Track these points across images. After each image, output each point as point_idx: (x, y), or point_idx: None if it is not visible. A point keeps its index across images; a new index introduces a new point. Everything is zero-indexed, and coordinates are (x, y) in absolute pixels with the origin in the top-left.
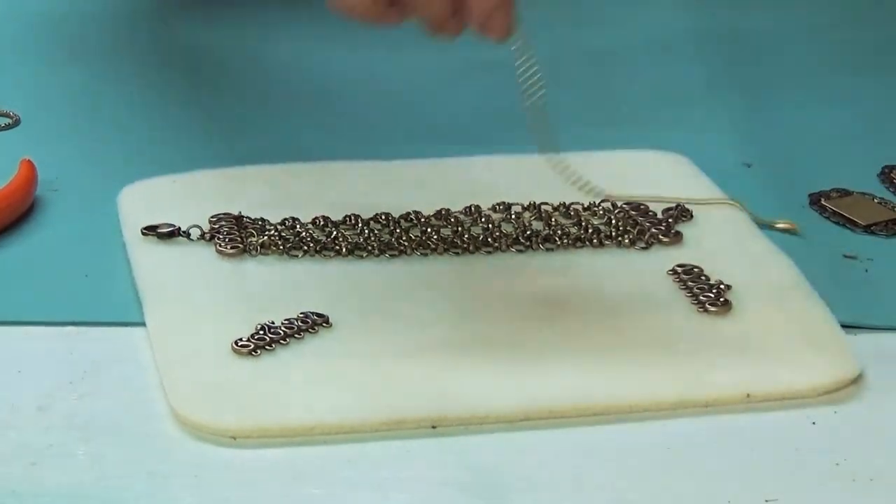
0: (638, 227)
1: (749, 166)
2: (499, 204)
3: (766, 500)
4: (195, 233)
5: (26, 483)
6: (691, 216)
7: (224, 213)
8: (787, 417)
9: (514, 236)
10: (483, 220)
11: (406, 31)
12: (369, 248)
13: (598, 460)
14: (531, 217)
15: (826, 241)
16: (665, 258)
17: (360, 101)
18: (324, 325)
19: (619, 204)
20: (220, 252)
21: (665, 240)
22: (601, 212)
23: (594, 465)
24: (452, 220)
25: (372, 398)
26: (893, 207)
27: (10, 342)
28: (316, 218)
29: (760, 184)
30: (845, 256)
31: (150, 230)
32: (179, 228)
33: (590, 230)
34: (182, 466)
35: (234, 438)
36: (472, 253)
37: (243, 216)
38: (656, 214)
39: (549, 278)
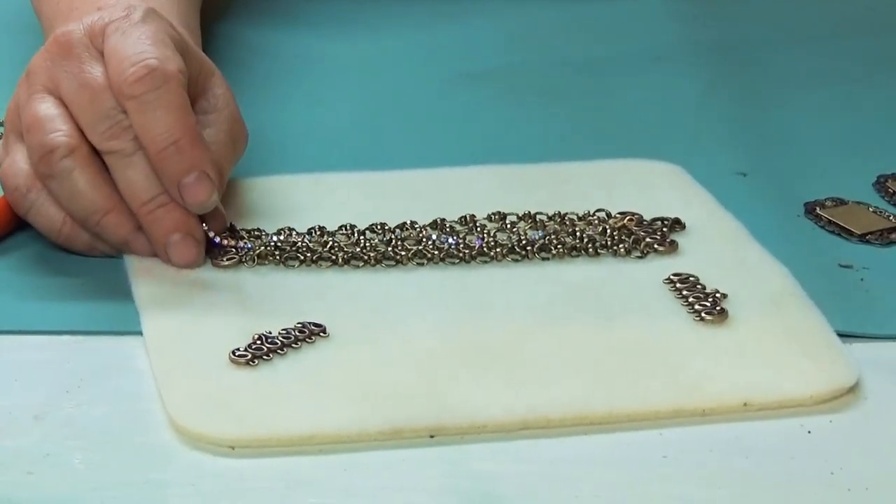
0: (633, 237)
1: (744, 175)
2: (494, 214)
3: None
4: None
5: (23, 492)
6: (684, 226)
7: None
8: (783, 426)
9: (510, 246)
10: (479, 229)
11: (402, 42)
12: (365, 257)
13: (596, 469)
14: (527, 227)
15: (821, 250)
16: (661, 267)
17: (354, 112)
18: (321, 334)
19: (613, 213)
20: (216, 262)
21: (661, 249)
22: (596, 221)
23: (592, 474)
24: (448, 229)
25: (369, 408)
26: (889, 216)
27: (7, 351)
28: (311, 228)
29: (755, 193)
30: (841, 265)
31: None
32: None
33: (585, 240)
34: (179, 476)
35: (233, 448)
36: (468, 262)
37: (238, 227)
38: (651, 224)
39: (546, 288)
